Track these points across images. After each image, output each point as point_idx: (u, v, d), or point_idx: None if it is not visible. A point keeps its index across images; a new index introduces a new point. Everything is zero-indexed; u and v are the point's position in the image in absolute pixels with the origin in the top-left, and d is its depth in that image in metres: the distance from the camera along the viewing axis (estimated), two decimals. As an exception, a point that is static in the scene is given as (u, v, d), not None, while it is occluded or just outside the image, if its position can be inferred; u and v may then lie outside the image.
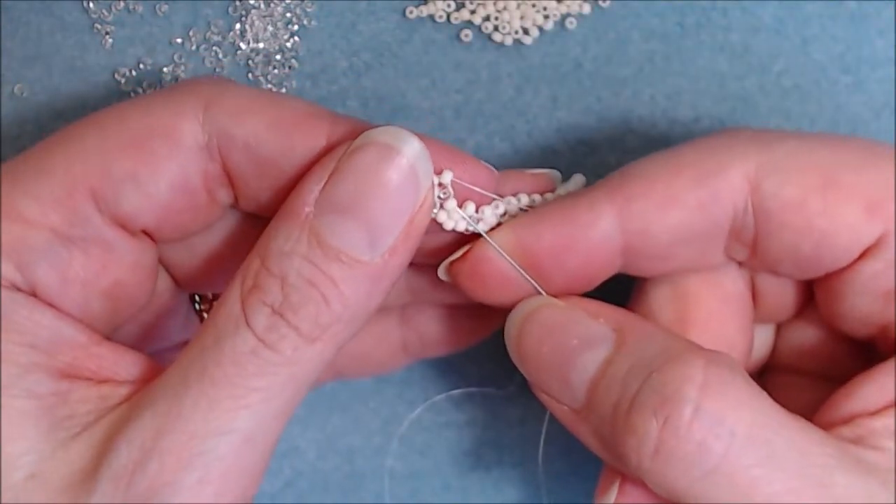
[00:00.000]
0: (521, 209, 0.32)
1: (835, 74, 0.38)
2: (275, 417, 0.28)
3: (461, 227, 0.31)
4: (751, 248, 0.31)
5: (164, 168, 0.30)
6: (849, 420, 0.29)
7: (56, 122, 0.37)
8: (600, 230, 0.30)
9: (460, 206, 0.31)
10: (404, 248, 0.29)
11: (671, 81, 0.38)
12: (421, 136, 0.30)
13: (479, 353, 0.38)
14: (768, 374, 0.35)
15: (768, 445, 0.27)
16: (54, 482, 0.28)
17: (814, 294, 0.32)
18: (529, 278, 0.31)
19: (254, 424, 0.28)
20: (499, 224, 0.31)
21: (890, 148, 0.31)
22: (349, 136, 0.30)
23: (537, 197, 0.32)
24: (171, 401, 0.28)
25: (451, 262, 0.32)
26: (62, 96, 0.37)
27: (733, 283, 0.33)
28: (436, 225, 0.31)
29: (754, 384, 0.29)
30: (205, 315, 0.36)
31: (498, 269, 0.31)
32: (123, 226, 0.30)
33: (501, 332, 0.32)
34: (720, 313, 0.32)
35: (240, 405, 0.28)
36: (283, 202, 0.29)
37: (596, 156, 0.38)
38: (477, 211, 0.31)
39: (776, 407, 0.28)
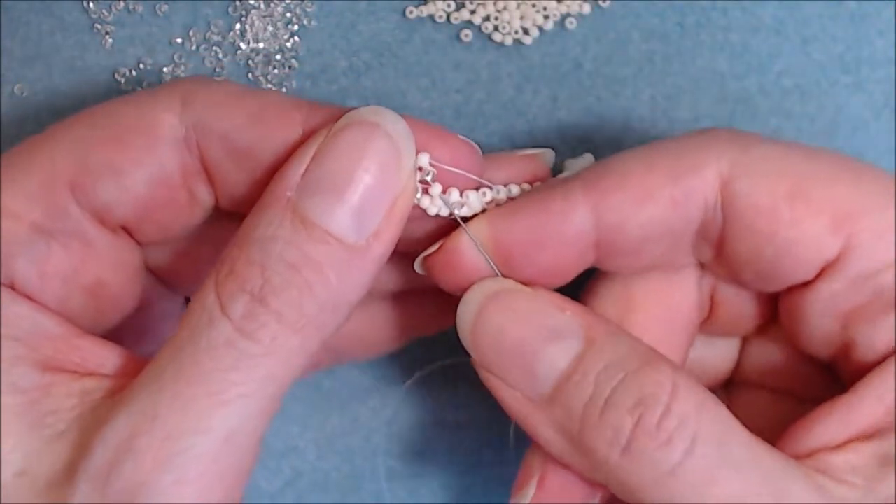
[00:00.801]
0: (510, 199, 0.31)
1: (835, 74, 0.38)
2: (257, 414, 0.27)
3: (445, 212, 0.31)
4: (715, 250, 0.31)
5: (142, 160, 0.30)
6: (809, 455, 0.29)
7: (56, 121, 0.37)
8: (574, 223, 0.30)
9: (445, 191, 0.30)
10: (388, 231, 0.29)
11: (671, 81, 0.38)
12: (408, 117, 0.29)
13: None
14: (733, 389, 0.35)
15: (727, 449, 0.28)
16: (40, 480, 0.27)
17: (778, 311, 0.32)
18: (499, 270, 0.30)
19: (234, 423, 0.27)
20: (483, 211, 0.31)
21: (863, 164, 0.30)
22: (326, 123, 0.29)
23: (527, 186, 0.32)
24: (146, 400, 0.27)
25: (426, 256, 0.31)
26: (62, 96, 0.37)
27: (685, 292, 0.32)
28: (422, 212, 0.31)
29: (711, 394, 0.29)
30: None
31: (471, 262, 0.30)
32: (103, 220, 0.30)
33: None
34: (661, 321, 0.32)
35: (217, 402, 0.27)
36: (262, 193, 0.29)
37: (596, 156, 0.38)
38: (461, 195, 0.31)
39: (733, 417, 0.29)
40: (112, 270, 0.31)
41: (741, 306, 0.33)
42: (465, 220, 0.31)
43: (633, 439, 0.28)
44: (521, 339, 0.30)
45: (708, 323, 0.33)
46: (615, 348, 0.29)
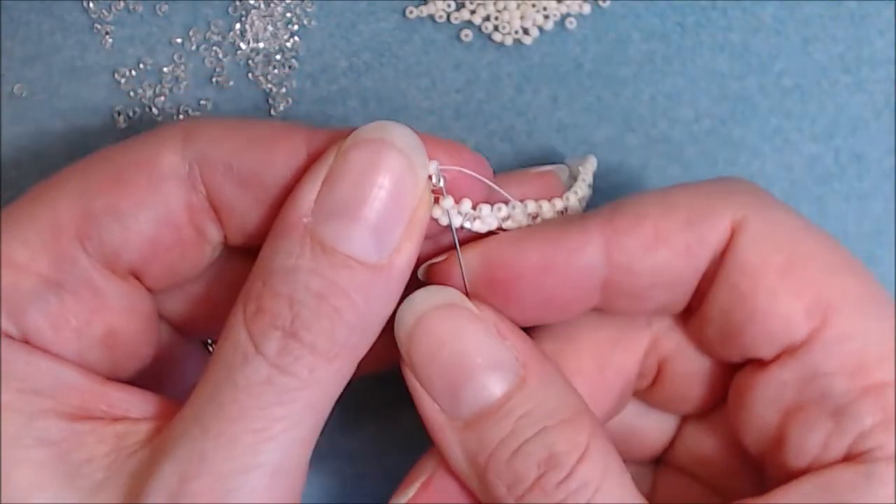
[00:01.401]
0: (528, 215, 0.31)
1: (835, 74, 0.38)
2: (301, 444, 0.27)
3: (456, 223, 0.30)
4: (694, 299, 0.30)
5: (144, 200, 0.29)
6: None
7: (56, 121, 0.37)
8: (586, 257, 0.29)
9: (457, 202, 0.30)
10: (409, 244, 0.28)
11: (671, 81, 0.38)
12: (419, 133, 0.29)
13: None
14: (661, 468, 0.35)
15: None
16: None
17: (727, 392, 0.32)
18: (467, 289, 0.30)
19: (280, 455, 0.27)
20: (499, 228, 0.31)
21: (854, 261, 0.30)
22: (328, 145, 0.29)
23: (545, 203, 0.31)
24: (191, 444, 0.27)
25: (431, 265, 0.31)
26: (62, 96, 0.37)
27: (631, 351, 0.32)
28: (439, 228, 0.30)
29: (620, 463, 0.29)
30: None
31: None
32: (111, 267, 0.30)
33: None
34: (596, 371, 0.32)
35: (262, 438, 0.27)
36: (274, 221, 0.28)
37: (596, 156, 0.38)
38: (474, 208, 0.30)
39: (635, 491, 0.29)
40: (125, 319, 0.30)
41: (687, 383, 0.33)
42: (481, 233, 0.30)
43: (530, 492, 0.28)
44: (457, 358, 0.29)
45: (651, 392, 0.33)
46: (545, 396, 0.29)
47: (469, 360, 0.29)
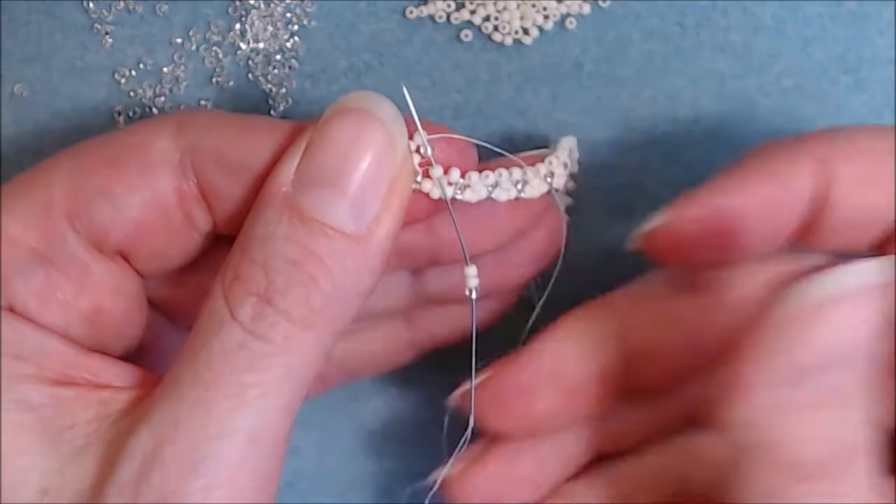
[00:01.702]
0: (513, 182, 0.31)
1: (835, 74, 0.38)
2: (278, 413, 0.27)
3: (448, 195, 0.30)
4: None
5: (136, 183, 0.29)
6: None
7: (56, 121, 0.37)
8: (800, 188, 0.29)
9: (446, 172, 0.30)
10: (388, 216, 0.28)
11: (671, 81, 0.38)
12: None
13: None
14: None
15: None
16: (64, 499, 0.27)
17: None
18: (468, 259, 0.30)
19: (256, 422, 0.27)
20: (488, 197, 0.30)
21: None
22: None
23: (529, 169, 0.31)
24: (167, 410, 0.27)
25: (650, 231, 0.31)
26: (62, 96, 0.37)
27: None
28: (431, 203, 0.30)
29: None
30: None
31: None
32: (99, 246, 0.30)
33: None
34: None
35: (237, 404, 0.27)
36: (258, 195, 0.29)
37: (596, 156, 0.38)
38: (463, 177, 0.30)
39: None
40: (111, 297, 0.31)
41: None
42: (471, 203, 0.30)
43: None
44: None
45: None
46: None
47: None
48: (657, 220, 0.30)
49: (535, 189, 0.31)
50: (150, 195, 0.30)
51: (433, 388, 0.39)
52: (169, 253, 0.31)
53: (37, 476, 0.27)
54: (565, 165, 0.32)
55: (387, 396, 0.39)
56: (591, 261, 0.38)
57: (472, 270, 0.31)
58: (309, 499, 0.39)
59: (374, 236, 0.28)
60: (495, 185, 0.31)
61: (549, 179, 0.32)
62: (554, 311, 0.38)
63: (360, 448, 0.39)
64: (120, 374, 0.29)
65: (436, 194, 0.30)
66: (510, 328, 0.39)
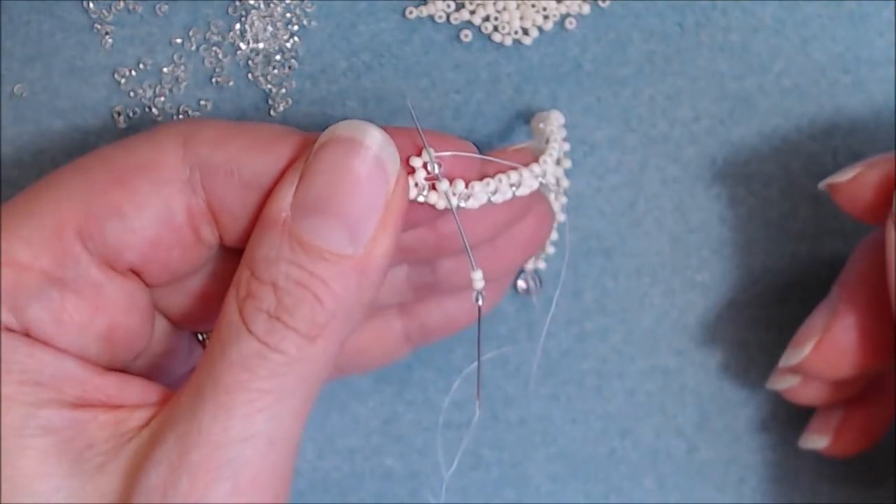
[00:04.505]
0: (510, 185, 0.32)
1: (835, 74, 0.38)
2: (292, 417, 0.29)
3: (454, 205, 0.31)
4: None
5: (148, 202, 0.30)
6: None
7: (56, 121, 0.37)
8: None
9: (451, 183, 0.31)
10: (385, 235, 0.29)
11: (671, 81, 0.38)
12: (400, 128, 0.30)
13: (475, 350, 0.38)
14: None
15: None
16: None
17: None
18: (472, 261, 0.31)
19: (273, 426, 0.28)
20: (488, 202, 0.31)
21: None
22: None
23: (524, 171, 0.32)
24: (190, 417, 0.28)
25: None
26: (62, 96, 0.37)
27: None
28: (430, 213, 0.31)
29: None
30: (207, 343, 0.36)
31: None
32: (112, 265, 0.30)
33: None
34: None
35: (256, 409, 0.28)
36: (259, 214, 0.30)
37: (596, 156, 0.38)
38: (467, 187, 0.31)
39: None
40: (124, 314, 0.31)
41: None
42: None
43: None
44: None
45: None
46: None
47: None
48: (848, 172, 0.33)
49: (528, 188, 0.32)
50: (162, 214, 0.30)
51: (433, 388, 0.39)
52: (179, 267, 0.31)
53: (62, 496, 0.28)
54: (558, 161, 0.33)
55: (387, 396, 0.39)
56: (591, 260, 0.38)
57: (478, 275, 0.31)
58: (308, 499, 0.39)
59: (373, 255, 0.29)
60: (495, 191, 0.32)
61: (541, 180, 0.32)
62: (554, 311, 0.38)
63: (360, 448, 0.39)
64: (133, 392, 0.30)
65: (441, 205, 0.31)
66: (510, 327, 0.39)
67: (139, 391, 0.30)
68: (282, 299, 0.28)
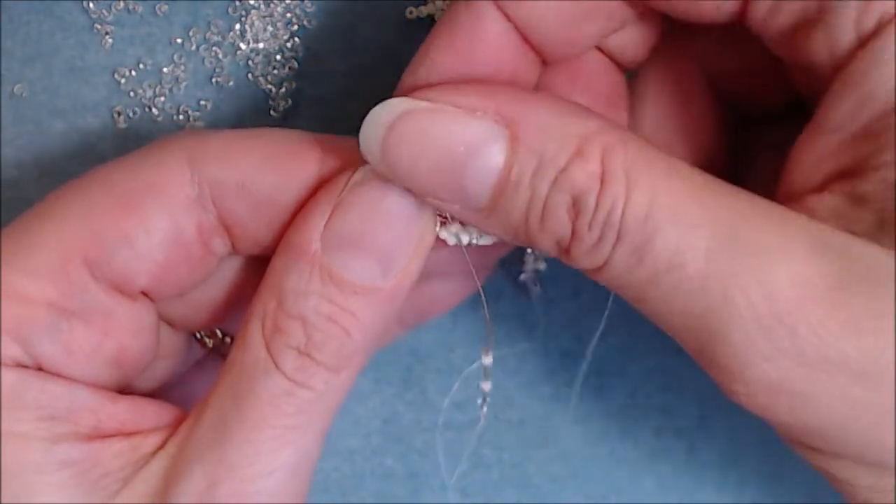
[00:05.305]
0: None
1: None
2: (314, 444, 0.29)
3: (464, 241, 0.30)
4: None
5: (157, 226, 0.29)
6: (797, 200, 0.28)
7: (56, 121, 0.37)
8: (489, 32, 0.29)
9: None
10: (414, 266, 0.29)
11: (671, 81, 0.38)
12: None
13: (475, 351, 0.38)
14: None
15: (688, 214, 0.26)
16: None
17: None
18: (465, 258, 0.30)
19: (298, 457, 0.29)
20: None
21: None
22: (342, 162, 0.29)
23: None
24: (217, 450, 0.29)
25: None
26: (62, 96, 0.37)
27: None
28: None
29: (669, 158, 0.27)
30: (206, 340, 0.35)
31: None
32: (121, 290, 0.30)
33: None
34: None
35: (282, 444, 0.29)
36: (284, 237, 0.29)
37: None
38: None
39: (706, 176, 0.27)
40: (133, 336, 0.31)
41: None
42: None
43: (575, 242, 0.27)
44: (440, 165, 0.28)
45: None
46: (542, 143, 0.27)
47: (451, 158, 0.28)
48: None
49: None
50: (172, 234, 0.30)
51: (433, 389, 0.39)
52: (188, 281, 0.31)
53: None
54: None
55: (387, 396, 0.39)
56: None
57: (487, 385, 0.33)
58: (309, 499, 0.39)
59: (400, 287, 0.29)
60: None
61: None
62: (554, 309, 0.38)
63: (360, 448, 0.39)
64: (147, 417, 0.30)
65: (451, 242, 0.30)
66: (510, 327, 0.39)
67: (153, 415, 0.30)
68: (311, 335, 0.28)
